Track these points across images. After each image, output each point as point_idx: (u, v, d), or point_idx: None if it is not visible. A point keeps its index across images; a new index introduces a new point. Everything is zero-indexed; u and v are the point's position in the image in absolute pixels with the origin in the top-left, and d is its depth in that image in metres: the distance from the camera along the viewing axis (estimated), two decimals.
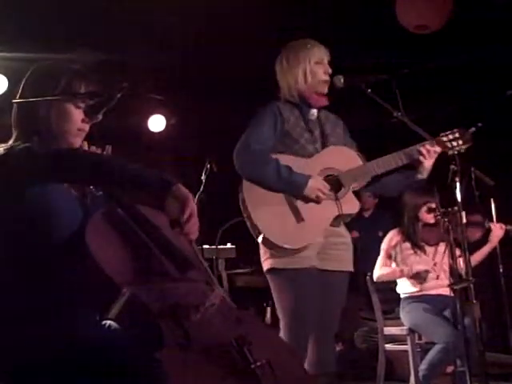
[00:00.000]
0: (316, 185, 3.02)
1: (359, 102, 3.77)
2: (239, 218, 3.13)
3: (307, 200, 3.03)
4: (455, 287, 3.20)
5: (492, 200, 4.41)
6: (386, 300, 4.56)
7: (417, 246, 4.43)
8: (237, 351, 2.00)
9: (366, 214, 6.26)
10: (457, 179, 3.02)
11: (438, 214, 3.62)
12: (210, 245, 5.18)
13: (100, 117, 2.18)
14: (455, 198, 3.06)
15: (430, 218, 4.36)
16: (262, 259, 3.13)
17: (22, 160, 1.98)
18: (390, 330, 4.50)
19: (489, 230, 4.39)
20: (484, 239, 4.43)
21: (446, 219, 3.50)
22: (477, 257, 4.38)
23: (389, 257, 4.52)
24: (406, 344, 4.35)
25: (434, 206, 4.29)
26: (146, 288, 2.01)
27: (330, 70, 3.18)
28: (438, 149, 3.11)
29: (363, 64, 4.85)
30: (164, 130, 6.66)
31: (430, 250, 4.44)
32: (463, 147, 3.10)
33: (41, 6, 4.42)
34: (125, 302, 1.97)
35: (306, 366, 3.00)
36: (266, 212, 3.02)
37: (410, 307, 4.34)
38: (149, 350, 1.87)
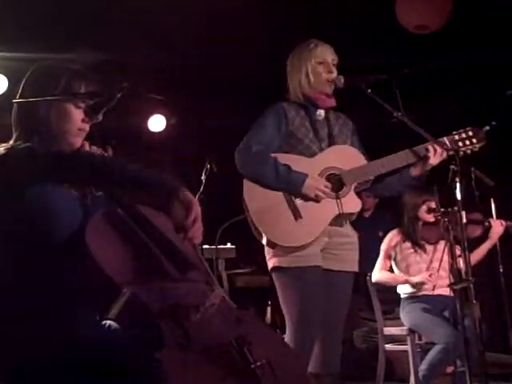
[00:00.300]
0: (314, 183, 3.02)
1: (359, 102, 3.77)
2: (239, 216, 3.14)
3: (306, 199, 3.04)
4: (455, 287, 3.20)
5: (492, 200, 4.42)
6: (386, 300, 4.56)
7: (417, 245, 4.44)
8: (237, 351, 2.00)
9: (366, 214, 6.25)
10: (457, 179, 3.02)
11: (438, 213, 3.62)
12: (209, 245, 5.18)
13: (100, 117, 2.18)
14: (455, 198, 3.06)
15: (429, 218, 4.37)
16: (267, 258, 3.14)
17: (22, 160, 1.98)
18: (389, 330, 4.50)
19: (489, 228, 4.39)
20: (484, 236, 4.43)
21: (445, 219, 3.50)
22: (477, 254, 4.38)
23: (388, 257, 4.53)
24: (406, 344, 4.35)
25: (433, 205, 4.29)
26: (146, 288, 2.01)
27: (334, 69, 3.17)
28: (445, 154, 3.08)
29: (363, 64, 4.85)
30: (164, 130, 6.65)
31: (430, 248, 4.45)
32: (477, 146, 3.08)
33: (41, 6, 4.42)
34: (125, 302, 1.97)
35: (310, 365, 3.01)
36: (265, 211, 3.03)
37: (410, 307, 4.34)
38: (149, 350, 1.87)
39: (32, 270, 1.95)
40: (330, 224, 3.07)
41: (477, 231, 4.39)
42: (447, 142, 3.09)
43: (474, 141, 3.09)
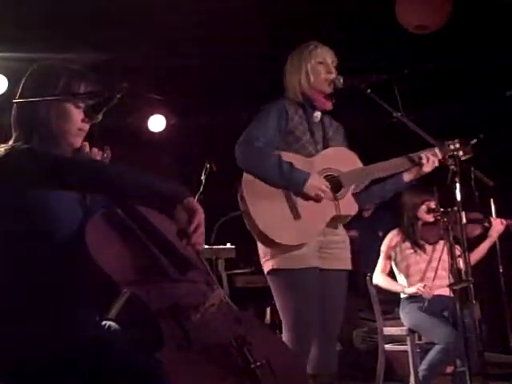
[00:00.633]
0: (316, 183, 3.02)
1: (359, 102, 3.77)
2: (234, 213, 3.12)
3: (306, 198, 3.03)
4: (455, 287, 3.20)
5: (492, 200, 4.41)
6: (386, 300, 4.57)
7: (417, 245, 4.44)
8: (236, 351, 2.01)
9: (366, 214, 6.26)
10: (456, 179, 3.02)
11: (438, 213, 3.62)
12: (209, 245, 5.19)
13: (100, 117, 2.18)
14: (455, 198, 3.07)
15: (429, 218, 4.37)
16: (263, 260, 3.12)
17: (22, 162, 1.98)
18: (389, 331, 4.50)
19: (488, 226, 4.39)
20: (483, 235, 4.43)
21: (445, 219, 3.51)
22: (477, 253, 4.39)
23: (388, 258, 4.53)
24: (406, 344, 4.35)
25: (433, 205, 4.29)
26: (145, 288, 2.01)
27: (333, 70, 3.18)
28: (437, 162, 3.14)
29: (363, 64, 4.85)
30: (164, 130, 6.66)
31: (429, 248, 4.45)
32: (463, 158, 3.13)
33: (41, 6, 4.42)
34: (124, 302, 1.98)
35: (308, 366, 3.00)
36: (264, 207, 3.01)
37: (410, 307, 4.34)
38: (148, 350, 1.88)
39: (32, 270, 1.96)
40: (326, 225, 3.07)
41: (476, 230, 4.39)
42: (437, 152, 3.15)
43: (461, 153, 3.14)
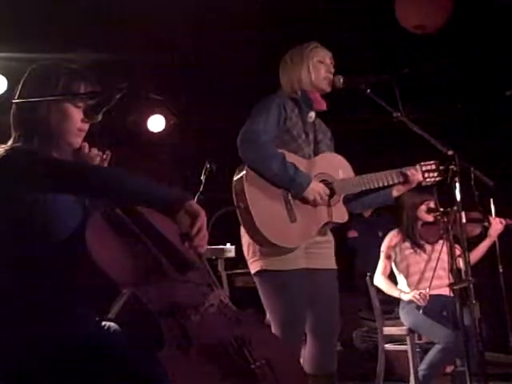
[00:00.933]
0: (317, 188, 3.03)
1: (359, 102, 3.77)
2: (228, 207, 3.07)
3: (304, 201, 3.03)
4: (455, 287, 3.20)
5: (491, 200, 4.41)
6: (386, 300, 4.56)
7: (416, 245, 4.44)
8: (236, 351, 2.01)
9: (366, 214, 6.26)
10: (456, 179, 3.02)
11: (438, 213, 3.62)
12: (209, 245, 5.18)
13: (100, 117, 2.18)
14: (455, 198, 3.07)
15: (429, 217, 4.37)
16: (251, 260, 3.10)
17: (22, 163, 1.97)
18: (389, 330, 4.50)
19: (488, 226, 4.39)
20: (483, 234, 4.43)
21: (445, 218, 3.50)
22: (476, 253, 4.39)
23: (388, 258, 4.53)
24: (406, 344, 4.35)
25: (432, 205, 4.29)
26: (145, 288, 2.01)
27: (332, 70, 3.20)
28: (420, 177, 3.26)
29: (363, 64, 4.85)
30: (163, 130, 6.66)
31: (429, 248, 4.45)
32: (436, 179, 3.28)
33: (40, 6, 4.42)
34: (124, 302, 1.98)
35: (306, 366, 3.01)
36: (263, 206, 2.99)
37: (410, 307, 4.34)
38: (148, 350, 1.88)
39: (31, 271, 1.95)
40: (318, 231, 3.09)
41: (476, 230, 4.39)
42: (418, 169, 3.27)
43: (435, 174, 3.28)
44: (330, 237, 3.23)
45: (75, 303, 1.98)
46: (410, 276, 4.43)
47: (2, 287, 1.96)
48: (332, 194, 3.11)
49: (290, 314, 2.99)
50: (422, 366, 4.17)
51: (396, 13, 4.71)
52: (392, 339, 4.57)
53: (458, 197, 3.04)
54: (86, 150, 2.25)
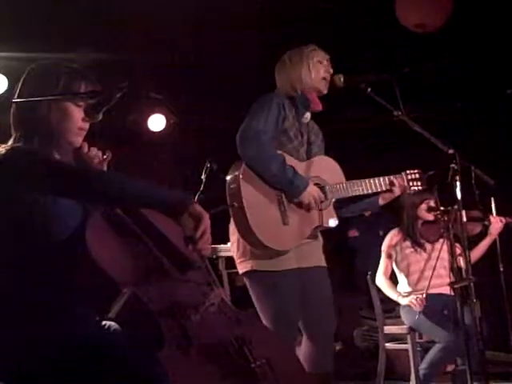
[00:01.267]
0: (313, 192, 3.04)
1: (359, 101, 3.77)
2: (225, 206, 3.05)
3: (298, 205, 3.04)
4: (455, 286, 3.20)
5: (492, 199, 4.41)
6: (387, 299, 4.56)
7: (417, 244, 4.44)
8: (236, 351, 2.01)
9: (366, 213, 6.25)
10: (457, 178, 3.02)
11: (438, 212, 3.62)
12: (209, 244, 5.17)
13: (100, 116, 2.18)
14: (455, 197, 3.06)
15: (429, 216, 4.37)
16: (240, 260, 3.09)
17: (22, 164, 1.97)
18: (390, 329, 4.50)
19: (488, 225, 4.39)
20: (484, 233, 4.43)
21: (445, 217, 3.50)
22: (477, 251, 4.38)
23: (389, 257, 4.52)
24: (407, 343, 4.35)
25: (433, 204, 4.29)
26: (145, 288, 2.01)
27: (330, 71, 3.21)
28: (406, 186, 3.31)
29: (363, 63, 4.85)
30: (164, 130, 6.65)
31: (429, 247, 4.45)
32: (420, 188, 3.35)
33: (41, 6, 4.42)
34: (124, 301, 1.98)
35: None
36: (258, 207, 2.99)
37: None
38: (149, 350, 1.88)
39: (31, 271, 1.95)
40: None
41: (476, 229, 4.39)
42: (404, 178, 3.32)
43: (419, 183, 3.34)
44: (318, 236, 3.25)
45: (75, 303, 1.98)
46: (411, 275, 4.43)
47: (2, 287, 1.96)
48: (324, 198, 3.12)
49: (282, 315, 2.98)
50: (423, 365, 4.17)
51: (396, 12, 4.71)
52: (393, 338, 4.57)
53: (459, 195, 3.04)
54: (86, 149, 2.25)
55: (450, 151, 3.09)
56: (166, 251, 2.14)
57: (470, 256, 3.10)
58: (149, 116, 6.55)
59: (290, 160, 3.07)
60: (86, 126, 2.17)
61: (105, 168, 2.32)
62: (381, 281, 4.48)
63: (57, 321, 1.92)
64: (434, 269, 4.21)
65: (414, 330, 4.35)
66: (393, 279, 4.56)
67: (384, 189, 3.26)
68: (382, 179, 3.25)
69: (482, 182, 3.17)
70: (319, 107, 3.22)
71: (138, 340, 1.94)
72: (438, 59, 5.30)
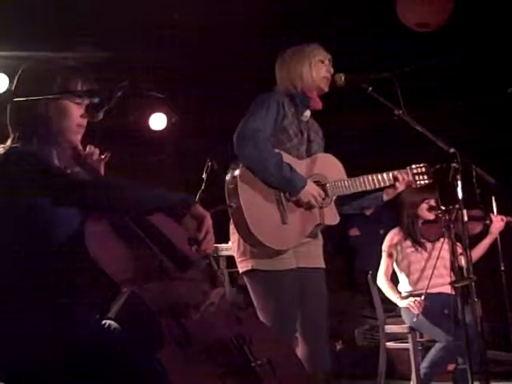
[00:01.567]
0: (312, 190, 3.02)
1: (359, 100, 3.77)
2: (223, 206, 3.05)
3: (297, 203, 3.02)
4: (456, 285, 3.20)
5: (493, 198, 4.41)
6: (387, 298, 4.56)
7: (417, 243, 4.43)
8: (237, 350, 2.01)
9: (367, 212, 6.24)
10: (458, 177, 3.02)
11: (439, 211, 3.61)
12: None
13: (101, 115, 2.17)
14: (456, 196, 3.06)
15: (430, 216, 4.36)
16: (240, 259, 3.08)
17: (22, 167, 1.97)
18: (391, 328, 4.50)
19: (489, 224, 4.39)
20: (484, 232, 4.43)
21: (446, 216, 3.50)
22: (478, 250, 4.38)
23: (390, 256, 4.52)
24: (407, 342, 4.35)
25: (433, 203, 4.29)
26: (145, 287, 2.01)
27: (331, 70, 3.20)
28: (411, 180, 3.27)
29: (364, 62, 4.85)
30: (165, 129, 6.65)
31: (430, 246, 4.44)
32: (427, 182, 3.31)
33: (41, 4, 4.42)
34: (124, 301, 1.97)
35: None
36: (256, 207, 2.98)
37: None
38: (149, 349, 1.88)
39: (31, 271, 1.95)
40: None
41: (477, 228, 4.38)
42: (409, 172, 3.28)
43: (425, 177, 3.30)
44: (318, 235, 3.23)
45: (75, 303, 1.98)
46: (411, 274, 4.42)
47: (3, 288, 1.96)
48: (325, 195, 3.10)
49: (281, 314, 2.98)
50: (424, 364, 4.17)
51: (397, 10, 4.70)
52: (394, 337, 4.57)
53: (460, 195, 3.04)
54: (83, 147, 2.24)
55: (451, 150, 3.09)
56: (165, 250, 2.14)
57: (470, 255, 3.10)
58: (150, 115, 6.55)
59: (290, 158, 3.06)
60: (85, 122, 2.16)
61: (102, 168, 2.31)
62: (381, 281, 4.47)
63: (57, 321, 1.92)
64: (435, 268, 4.21)
65: (415, 330, 4.35)
66: (393, 279, 4.55)
67: (387, 184, 3.24)
68: (385, 175, 3.23)
69: (482, 181, 3.17)
70: (319, 106, 3.21)
71: (137, 339, 1.94)
72: (438, 58, 5.30)
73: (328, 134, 3.44)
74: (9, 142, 2.10)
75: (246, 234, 2.98)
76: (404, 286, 4.49)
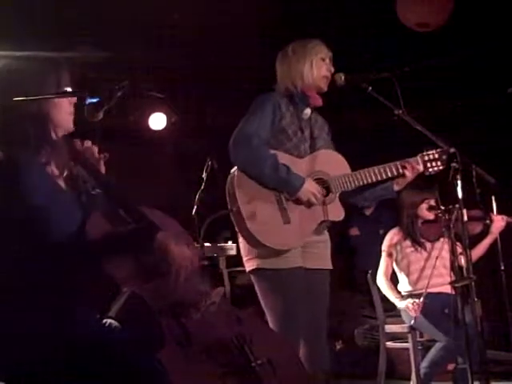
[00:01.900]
0: (310, 188, 3.01)
1: (359, 100, 3.77)
2: (223, 211, 3.06)
3: (297, 202, 3.02)
4: (456, 285, 3.20)
5: (493, 198, 4.41)
6: (387, 298, 4.56)
7: (417, 243, 4.43)
8: (237, 349, 2.01)
9: (367, 212, 6.25)
10: (458, 177, 3.02)
11: (439, 211, 3.61)
12: (210, 243, 5.18)
13: (101, 115, 2.17)
14: (456, 196, 3.06)
15: (429, 215, 4.36)
16: (246, 258, 3.10)
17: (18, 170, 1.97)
18: (390, 328, 4.50)
19: (489, 223, 4.39)
20: (485, 232, 4.42)
21: (446, 216, 3.50)
22: (478, 250, 4.38)
23: (390, 256, 4.52)
24: (407, 342, 4.35)
25: (433, 203, 4.29)
26: (145, 287, 2.01)
27: (332, 69, 3.19)
28: (421, 168, 3.19)
29: (364, 62, 4.85)
30: (165, 128, 6.65)
31: (430, 246, 4.44)
32: (440, 169, 3.21)
33: (41, 5, 4.42)
34: (125, 300, 1.98)
35: None
36: (255, 209, 2.98)
37: None
38: (149, 348, 1.88)
39: (31, 271, 1.95)
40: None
41: (477, 228, 4.38)
42: (419, 160, 3.20)
43: (439, 163, 3.21)
44: (326, 236, 3.22)
45: (76, 302, 1.98)
46: (411, 274, 4.42)
47: (3, 287, 1.96)
48: (327, 192, 3.09)
49: (287, 312, 2.98)
50: (424, 364, 4.17)
51: (397, 10, 4.70)
52: (394, 337, 4.57)
53: (460, 194, 3.04)
54: (79, 144, 2.24)
55: (451, 150, 3.09)
56: None
57: (470, 255, 3.10)
58: (150, 115, 6.55)
59: (288, 158, 3.05)
60: (72, 108, 2.17)
61: (102, 167, 2.31)
62: (381, 281, 4.47)
63: (57, 321, 1.92)
64: (434, 268, 4.21)
65: (415, 329, 4.35)
66: (393, 278, 4.55)
67: (395, 174, 3.17)
68: (392, 165, 3.17)
69: (482, 181, 3.17)
70: (319, 102, 3.20)
71: (138, 339, 1.94)
72: (438, 58, 5.30)
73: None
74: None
75: (247, 236, 3.01)
76: (403, 285, 4.49)
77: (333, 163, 3.16)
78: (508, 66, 5.21)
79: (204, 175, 5.02)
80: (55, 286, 1.95)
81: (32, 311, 1.92)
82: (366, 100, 3.22)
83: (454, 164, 3.04)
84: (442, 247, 4.26)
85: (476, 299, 3.05)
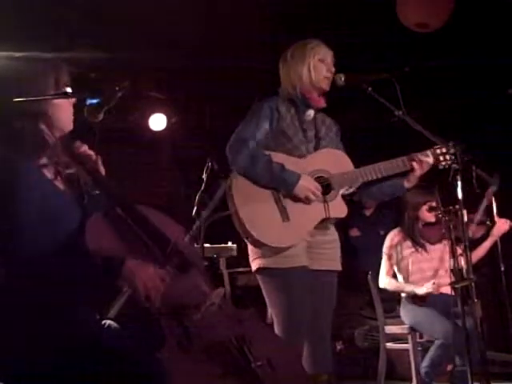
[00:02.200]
0: (307, 184, 3.01)
1: (360, 100, 3.77)
2: (223, 213, 3.09)
3: (296, 199, 3.02)
4: (456, 286, 3.20)
5: (493, 199, 4.41)
6: (387, 299, 4.56)
7: (418, 244, 4.43)
8: (237, 350, 2.01)
9: (368, 213, 6.25)
10: (458, 178, 3.02)
11: (440, 212, 3.61)
12: (211, 243, 5.19)
13: (101, 116, 2.17)
14: (456, 197, 3.06)
15: (430, 217, 4.36)
16: (251, 258, 3.11)
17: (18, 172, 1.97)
18: (390, 329, 4.50)
19: (491, 226, 4.39)
20: (485, 234, 4.42)
21: (447, 217, 3.50)
22: (478, 252, 4.38)
23: (390, 258, 4.52)
24: (407, 343, 4.35)
25: (434, 204, 4.28)
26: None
27: (332, 69, 3.19)
28: (431, 160, 3.13)
29: (364, 63, 4.85)
30: (165, 129, 6.65)
31: (430, 247, 4.44)
32: (449, 163, 3.13)
33: (41, 5, 4.42)
34: (125, 301, 1.97)
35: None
36: (253, 209, 2.99)
37: (411, 306, 4.34)
38: (149, 349, 1.88)
39: (32, 271, 1.95)
40: (315, 227, 3.07)
41: (480, 231, 4.38)
42: (429, 153, 3.14)
43: (448, 157, 3.14)
44: (334, 236, 3.20)
45: (76, 302, 1.98)
46: (411, 275, 4.42)
47: (3, 288, 1.96)
48: (329, 189, 3.09)
49: (291, 312, 2.98)
50: (424, 364, 4.17)
51: (397, 10, 4.70)
52: (393, 338, 4.57)
53: (460, 195, 3.04)
54: (79, 144, 2.24)
55: (451, 150, 3.09)
56: (166, 251, 2.14)
57: (471, 256, 3.10)
58: (150, 115, 6.55)
59: (284, 158, 3.06)
60: (72, 108, 2.17)
61: (102, 168, 2.31)
62: (386, 282, 4.46)
63: (57, 321, 1.92)
64: (437, 269, 4.21)
65: (415, 330, 4.35)
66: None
67: (402, 169, 3.13)
68: (399, 160, 3.13)
69: (482, 181, 3.17)
70: (321, 104, 3.20)
71: (138, 339, 1.94)
72: (438, 58, 5.30)
73: None
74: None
75: (247, 236, 3.02)
76: None
77: (335, 161, 3.15)
78: (508, 66, 5.21)
79: (204, 176, 5.02)
80: (55, 285, 1.95)
81: (32, 311, 1.91)
82: (366, 100, 3.22)
83: (454, 165, 3.04)
84: (444, 249, 4.26)
85: (476, 300, 3.05)
